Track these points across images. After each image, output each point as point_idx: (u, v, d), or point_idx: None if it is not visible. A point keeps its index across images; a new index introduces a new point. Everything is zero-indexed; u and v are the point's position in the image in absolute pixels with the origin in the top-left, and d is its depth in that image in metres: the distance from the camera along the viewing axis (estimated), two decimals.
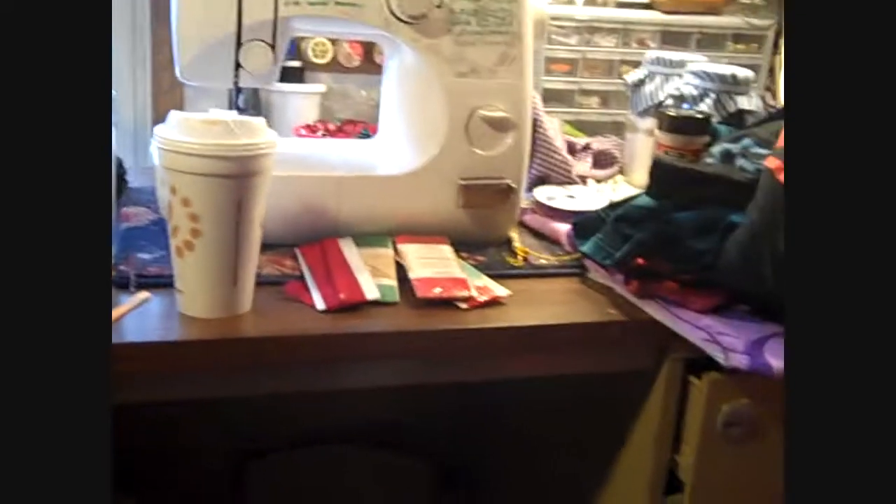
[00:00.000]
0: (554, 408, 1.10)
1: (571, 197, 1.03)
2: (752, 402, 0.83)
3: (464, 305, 0.81)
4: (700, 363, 0.83)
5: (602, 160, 1.16)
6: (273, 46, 0.88)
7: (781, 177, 0.82)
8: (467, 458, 1.38)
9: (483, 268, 0.88)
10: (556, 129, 1.11)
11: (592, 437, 1.00)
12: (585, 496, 1.00)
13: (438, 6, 0.90)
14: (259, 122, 0.74)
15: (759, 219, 0.79)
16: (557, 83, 1.29)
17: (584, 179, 1.10)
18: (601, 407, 0.98)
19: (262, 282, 0.80)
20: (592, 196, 1.04)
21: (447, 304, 0.81)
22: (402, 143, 0.97)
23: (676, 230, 0.83)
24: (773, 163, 0.84)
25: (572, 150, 1.14)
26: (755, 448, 0.85)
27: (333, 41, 1.29)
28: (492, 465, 1.30)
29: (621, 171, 1.16)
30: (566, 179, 1.07)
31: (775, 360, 0.76)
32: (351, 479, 1.31)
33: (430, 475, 1.32)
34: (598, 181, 1.12)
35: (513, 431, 1.23)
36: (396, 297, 0.81)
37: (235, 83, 0.89)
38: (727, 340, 0.78)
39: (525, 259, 0.92)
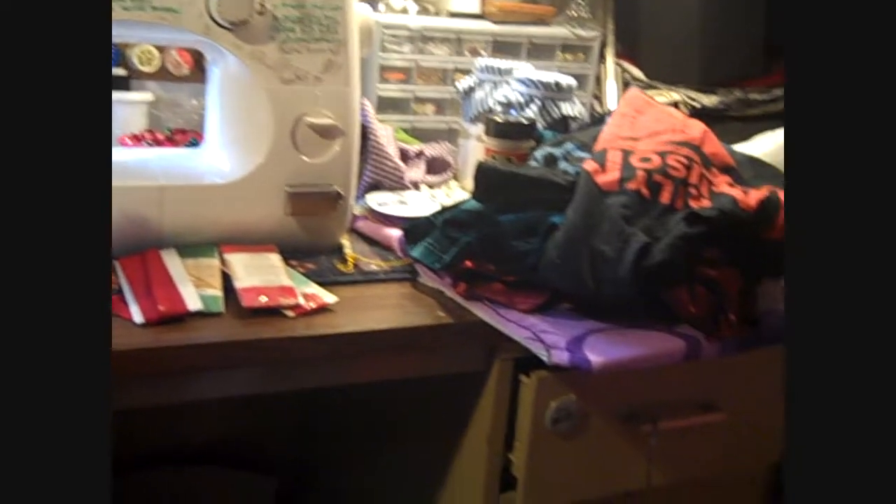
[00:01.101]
0: (390, 412, 1.10)
1: (404, 203, 1.04)
2: (578, 397, 0.86)
3: (291, 313, 0.80)
4: (529, 362, 0.85)
5: (435, 166, 1.17)
6: None
7: (598, 178, 0.86)
8: (311, 468, 1.36)
9: (312, 275, 0.88)
10: (388, 136, 1.11)
11: (430, 439, 1.01)
12: (426, 497, 1.01)
13: (261, 13, 0.88)
14: None
15: (576, 220, 0.82)
16: (392, 91, 1.29)
17: (417, 185, 1.11)
18: (437, 409, 0.99)
19: None
20: (425, 202, 1.05)
21: (274, 312, 0.80)
22: (228, 151, 0.95)
23: (501, 232, 0.85)
24: (591, 165, 0.87)
25: (405, 156, 1.14)
26: (582, 441, 0.88)
27: (160, 49, 1.25)
28: (334, 474, 1.29)
29: (455, 177, 1.18)
30: (399, 185, 1.08)
31: (594, 354, 0.79)
32: (198, 500, 1.27)
33: (274, 490, 1.29)
34: (432, 187, 1.13)
35: (352, 438, 1.23)
36: (221, 307, 0.79)
37: None
38: (549, 338, 0.80)
39: (356, 266, 0.92)
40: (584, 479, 0.90)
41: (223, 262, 0.85)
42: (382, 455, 1.14)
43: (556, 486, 0.89)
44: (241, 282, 0.81)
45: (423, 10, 1.37)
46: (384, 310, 0.85)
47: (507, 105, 1.13)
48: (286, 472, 1.36)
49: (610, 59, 1.48)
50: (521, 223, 0.85)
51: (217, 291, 0.80)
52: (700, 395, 0.94)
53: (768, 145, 1.35)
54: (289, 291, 0.81)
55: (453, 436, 0.94)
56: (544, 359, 0.80)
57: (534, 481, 0.88)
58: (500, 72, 1.17)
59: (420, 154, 1.17)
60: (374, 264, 0.94)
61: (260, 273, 0.83)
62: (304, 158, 0.92)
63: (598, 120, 1.06)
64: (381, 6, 1.30)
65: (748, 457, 1.00)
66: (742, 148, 1.08)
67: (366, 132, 1.06)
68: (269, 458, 1.33)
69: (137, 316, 0.75)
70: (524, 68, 1.19)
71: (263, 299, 0.79)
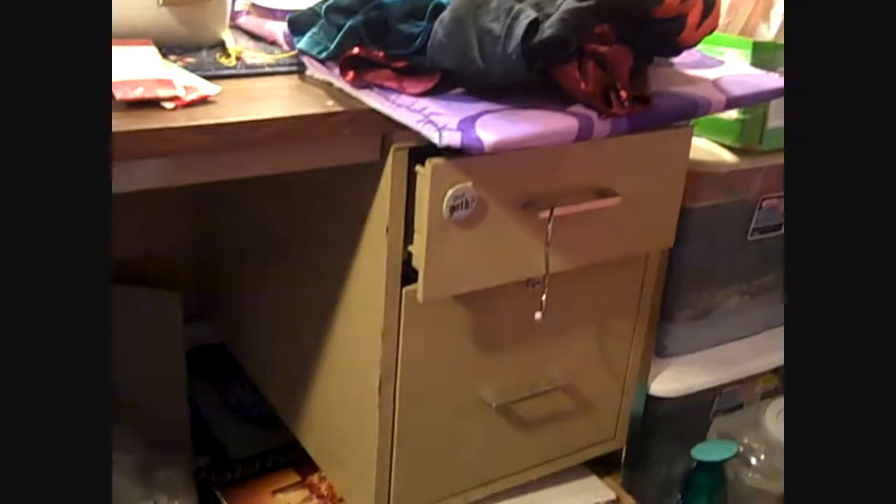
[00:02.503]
0: (288, 214, 1.09)
1: None
2: (475, 183, 0.86)
3: (170, 105, 0.76)
4: (424, 151, 0.84)
5: None
6: None
7: None
8: (214, 281, 1.36)
9: (192, 69, 0.84)
10: None
11: (329, 237, 1.01)
12: (328, 298, 1.02)
13: None
14: None
15: None
16: None
17: None
18: (335, 206, 0.98)
19: None
20: None
21: (152, 105, 0.76)
22: None
23: (387, 16, 0.82)
24: None
25: None
26: (481, 230, 0.89)
27: None
28: (237, 283, 1.29)
29: None
30: None
31: (486, 133, 0.78)
32: None
33: (179, 305, 1.29)
34: None
35: (253, 245, 1.22)
36: None
37: None
38: (441, 120, 0.79)
39: (239, 59, 0.88)
40: (483, 267, 0.91)
41: None
42: (283, 259, 1.13)
43: (456, 276, 0.90)
44: (115, 74, 0.77)
45: None
46: (271, 101, 0.82)
47: None
48: (190, 287, 1.35)
49: None
50: (407, 5, 0.82)
51: None
52: (596, 180, 0.95)
53: None
54: (167, 83, 0.77)
55: (352, 233, 0.94)
56: (435, 141, 0.78)
57: (434, 272, 0.89)
58: None
59: None
60: (258, 58, 0.90)
61: (135, 66, 0.79)
62: None
63: None
64: None
65: (643, 240, 1.03)
66: None
67: None
68: (171, 274, 1.32)
69: None
70: None
71: (139, 91, 0.75)
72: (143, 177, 0.78)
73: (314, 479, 1.22)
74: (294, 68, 0.89)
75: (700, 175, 1.11)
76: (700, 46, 0.96)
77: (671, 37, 0.89)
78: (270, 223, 1.15)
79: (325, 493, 1.20)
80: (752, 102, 0.95)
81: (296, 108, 0.80)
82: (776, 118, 1.08)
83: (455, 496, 1.07)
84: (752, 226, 1.21)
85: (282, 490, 1.21)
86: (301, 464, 1.22)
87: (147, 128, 0.72)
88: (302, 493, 1.21)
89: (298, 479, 1.23)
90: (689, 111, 0.91)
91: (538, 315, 0.95)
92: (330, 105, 0.82)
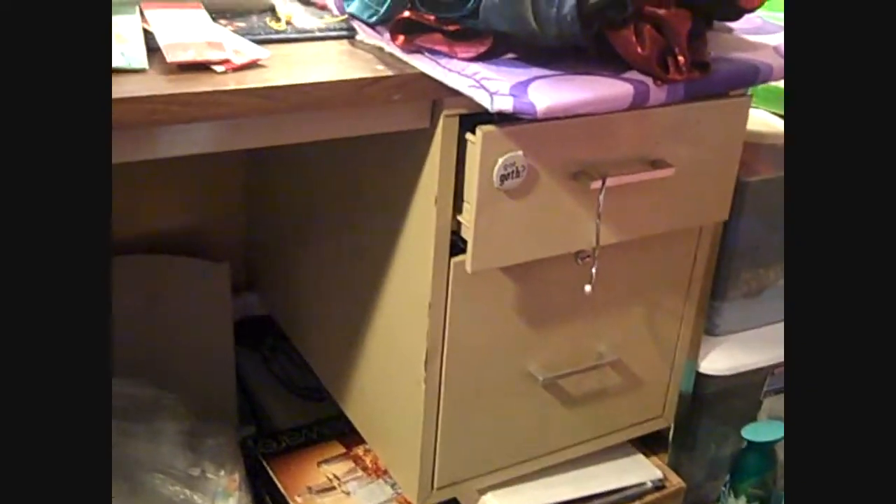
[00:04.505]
0: (336, 184, 1.09)
1: None
2: (526, 152, 0.84)
3: (220, 68, 0.75)
4: (475, 119, 0.83)
5: None
6: None
7: None
8: (262, 251, 1.36)
9: (243, 34, 0.83)
10: None
11: (377, 207, 1.00)
12: (377, 268, 1.01)
13: None
14: None
15: None
16: None
17: None
18: (384, 174, 0.97)
19: None
20: None
21: (202, 68, 0.75)
22: None
23: None
24: None
25: None
26: (531, 200, 0.87)
27: None
28: (285, 253, 1.29)
29: None
30: None
31: (539, 98, 0.76)
32: (151, 287, 1.26)
33: (228, 275, 1.29)
34: None
35: (299, 216, 1.22)
36: (145, 63, 0.74)
37: None
38: (493, 85, 0.78)
39: (289, 24, 0.88)
40: (533, 238, 0.90)
41: (144, 18, 0.80)
42: (332, 229, 1.13)
43: (505, 247, 0.89)
44: (165, 37, 0.76)
45: None
46: (320, 65, 0.81)
47: None
48: (239, 258, 1.36)
49: None
50: None
51: (140, 47, 0.75)
52: (649, 150, 0.93)
53: None
54: (217, 46, 0.77)
55: (401, 202, 0.93)
56: (487, 106, 0.77)
57: (483, 242, 0.87)
58: None
59: None
60: (308, 22, 0.89)
61: (185, 29, 0.78)
62: None
63: None
64: None
65: (696, 213, 1.00)
66: None
67: None
68: (220, 244, 1.32)
69: None
70: None
71: (190, 54, 0.75)
72: (191, 141, 0.77)
73: (359, 451, 1.22)
74: (344, 33, 0.88)
75: (756, 147, 1.08)
76: (760, 12, 0.93)
77: (731, 0, 0.86)
78: (319, 193, 1.14)
79: (370, 466, 1.20)
80: None
81: (345, 72, 0.79)
82: None
83: (499, 471, 1.07)
84: None
85: (327, 461, 1.21)
86: (346, 435, 1.22)
87: (197, 91, 0.72)
88: (347, 465, 1.21)
89: (343, 450, 1.23)
90: (749, 77, 0.88)
91: (588, 288, 0.93)
92: (380, 70, 0.81)
